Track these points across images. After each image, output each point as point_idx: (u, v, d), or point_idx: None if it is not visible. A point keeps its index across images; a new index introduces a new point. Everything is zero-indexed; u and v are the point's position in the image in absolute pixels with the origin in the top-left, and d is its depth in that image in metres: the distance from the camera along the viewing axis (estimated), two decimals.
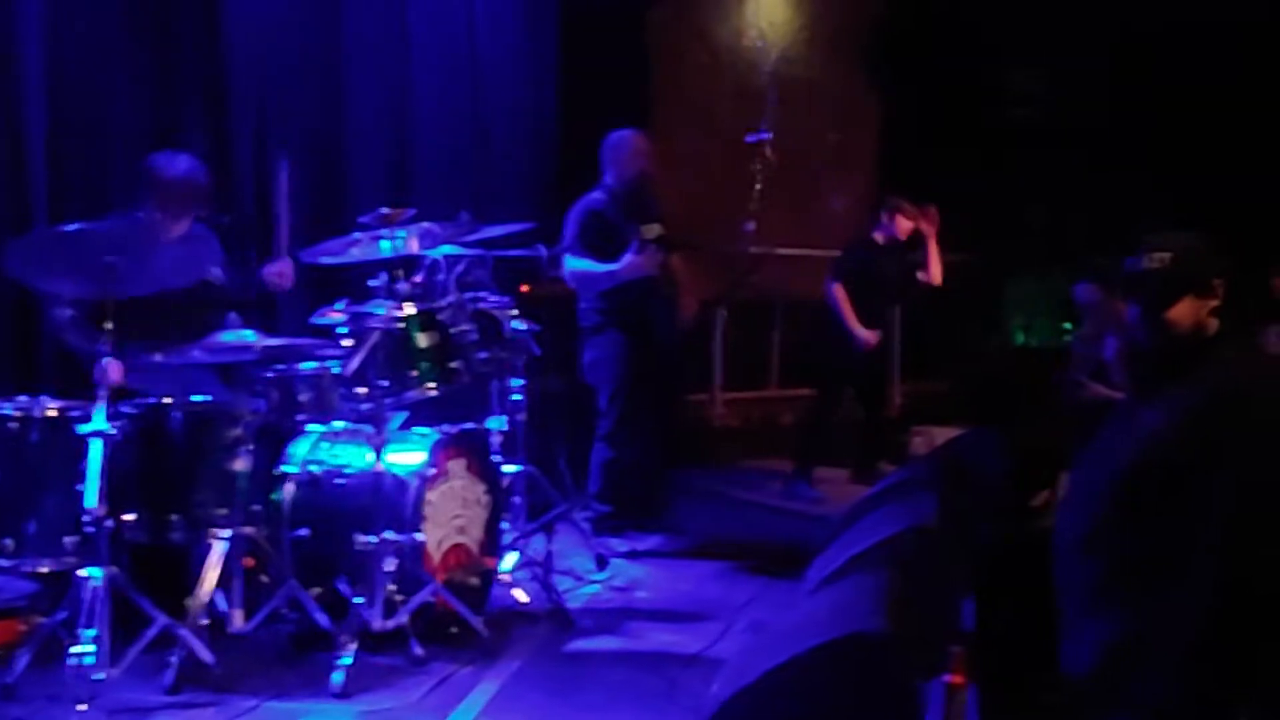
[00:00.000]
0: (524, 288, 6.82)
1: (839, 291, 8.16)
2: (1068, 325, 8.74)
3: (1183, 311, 3.53)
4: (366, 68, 7.51)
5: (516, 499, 6.06)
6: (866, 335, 8.15)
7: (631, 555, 6.57)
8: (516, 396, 6.01)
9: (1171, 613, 3.38)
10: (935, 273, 8.41)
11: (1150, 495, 3.43)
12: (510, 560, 5.73)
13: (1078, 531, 3.66)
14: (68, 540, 4.49)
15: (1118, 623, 3.51)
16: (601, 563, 6.30)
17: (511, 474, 5.98)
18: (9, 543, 4.47)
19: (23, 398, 4.63)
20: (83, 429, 4.25)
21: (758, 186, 9.00)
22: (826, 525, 7.08)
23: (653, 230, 6.68)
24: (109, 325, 4.32)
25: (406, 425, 5.40)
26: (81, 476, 4.31)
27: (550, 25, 8.49)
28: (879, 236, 8.41)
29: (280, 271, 5.55)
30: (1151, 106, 9.09)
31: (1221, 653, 3.31)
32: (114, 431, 4.29)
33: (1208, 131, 8.71)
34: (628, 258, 6.56)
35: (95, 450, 4.22)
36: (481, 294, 5.61)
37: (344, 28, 7.43)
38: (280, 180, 5.54)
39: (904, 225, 8.35)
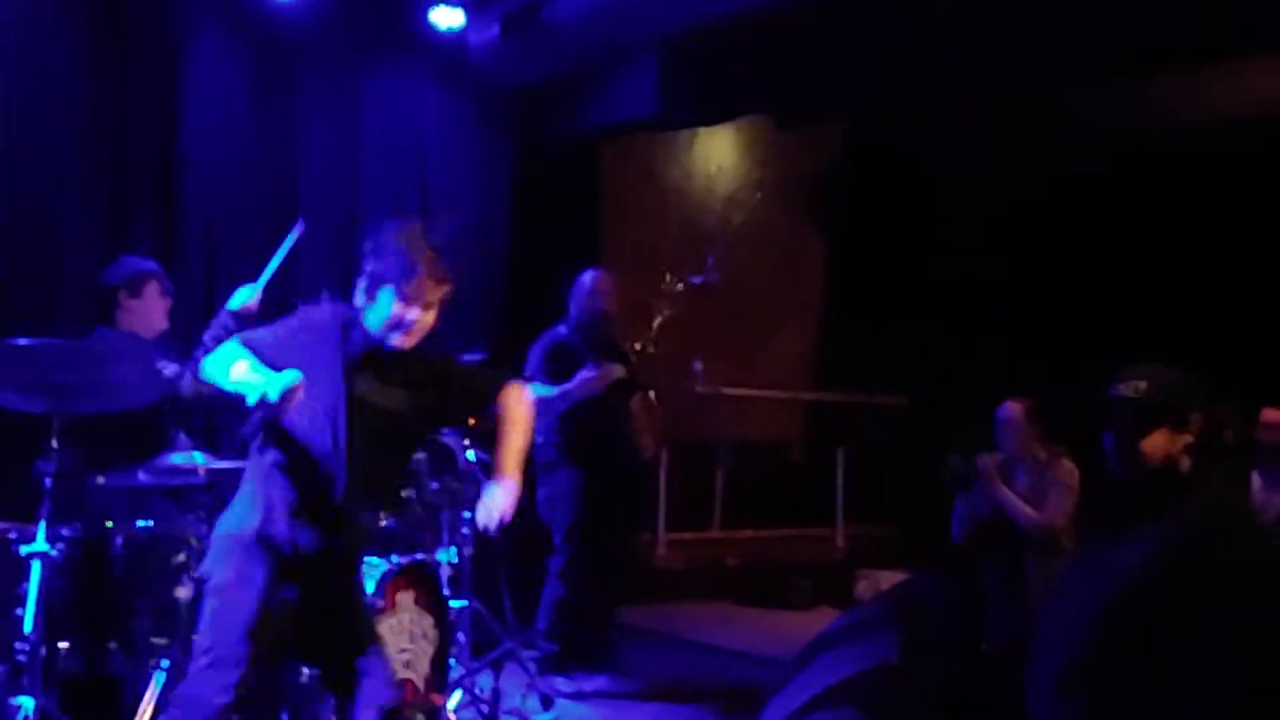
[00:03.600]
0: (471, 421, 6.73)
1: None
2: None
3: (1155, 443, 3.49)
4: (317, 190, 7.48)
5: (461, 636, 5.90)
6: None
7: (578, 696, 6.40)
8: (465, 530, 5.89)
9: None
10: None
11: (1131, 634, 3.37)
12: (455, 698, 5.57)
13: (1055, 671, 3.58)
14: None
15: None
16: (547, 703, 6.13)
17: (458, 609, 5.82)
18: None
19: None
20: (24, 550, 4.10)
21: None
22: (772, 666, 7.02)
23: (614, 370, 6.63)
24: (55, 444, 4.19)
25: None
26: (15, 602, 4.17)
27: (504, 161, 8.52)
28: None
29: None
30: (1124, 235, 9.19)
31: None
32: (55, 553, 4.14)
33: (1169, 268, 8.79)
34: (581, 374, 6.50)
35: (35, 573, 4.06)
36: None
37: (297, 149, 7.43)
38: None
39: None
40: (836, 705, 4.12)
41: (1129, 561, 3.46)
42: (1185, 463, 3.53)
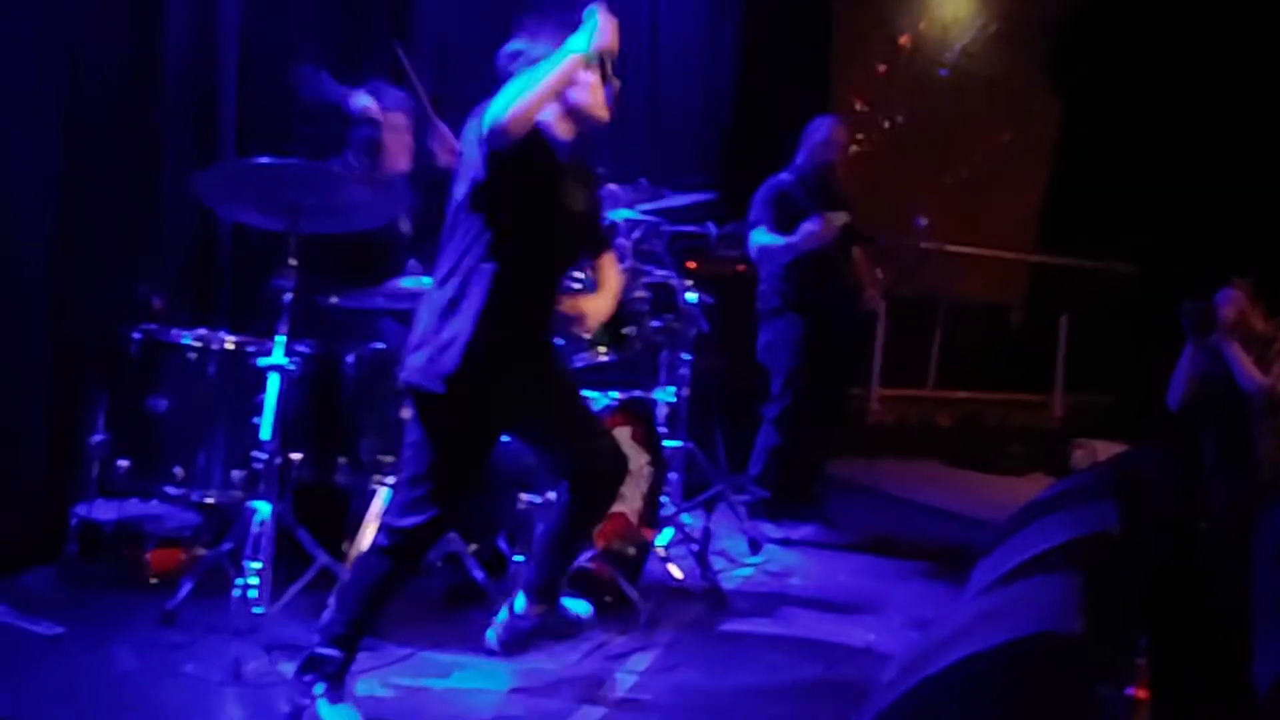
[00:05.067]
0: (691, 264, 6.72)
1: None
2: None
3: None
4: None
5: (674, 475, 5.96)
6: None
7: (785, 542, 6.45)
8: (683, 370, 5.91)
9: None
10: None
11: None
12: (666, 535, 5.65)
13: (1274, 541, 3.50)
14: (235, 474, 4.55)
15: None
16: (755, 546, 6.19)
17: (672, 448, 5.87)
18: (179, 471, 4.54)
19: (201, 330, 4.68)
20: (261, 362, 4.24)
21: None
22: (980, 528, 6.97)
23: (839, 218, 6.52)
24: (292, 262, 4.29)
25: None
26: (253, 411, 4.34)
27: (733, 4, 8.36)
28: None
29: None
30: None
31: None
32: (292, 367, 4.27)
33: None
34: (805, 226, 6.42)
35: (272, 385, 4.20)
36: (654, 265, 5.54)
37: None
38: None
39: None
40: (1052, 569, 4.05)
41: None
42: None
